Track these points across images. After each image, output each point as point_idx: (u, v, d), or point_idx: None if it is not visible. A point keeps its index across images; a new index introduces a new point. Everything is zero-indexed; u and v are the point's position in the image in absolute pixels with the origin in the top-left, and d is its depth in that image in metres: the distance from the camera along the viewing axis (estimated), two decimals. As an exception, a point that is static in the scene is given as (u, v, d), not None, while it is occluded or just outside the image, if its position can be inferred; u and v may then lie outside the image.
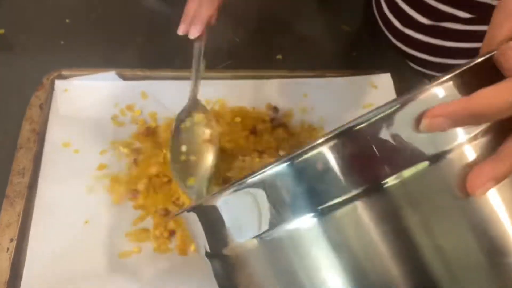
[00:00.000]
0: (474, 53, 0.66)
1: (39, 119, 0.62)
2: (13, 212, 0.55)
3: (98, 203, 0.57)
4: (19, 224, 0.54)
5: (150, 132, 0.63)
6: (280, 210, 0.28)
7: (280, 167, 0.28)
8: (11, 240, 0.53)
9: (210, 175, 0.52)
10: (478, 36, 0.64)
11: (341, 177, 0.27)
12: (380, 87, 0.69)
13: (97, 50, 0.73)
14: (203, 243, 0.34)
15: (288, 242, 0.29)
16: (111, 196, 0.58)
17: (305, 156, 0.27)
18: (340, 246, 0.28)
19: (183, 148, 0.53)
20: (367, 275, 0.28)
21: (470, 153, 0.28)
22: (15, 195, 0.56)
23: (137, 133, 0.63)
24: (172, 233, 0.55)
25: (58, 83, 0.66)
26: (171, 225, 0.55)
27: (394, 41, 0.74)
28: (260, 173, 0.28)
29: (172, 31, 0.77)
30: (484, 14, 0.61)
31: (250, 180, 0.29)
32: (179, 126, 0.55)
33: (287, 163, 0.28)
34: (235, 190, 0.29)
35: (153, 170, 0.59)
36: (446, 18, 0.65)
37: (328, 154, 0.27)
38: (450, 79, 0.28)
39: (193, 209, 0.34)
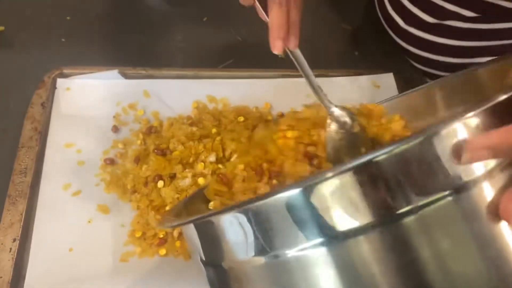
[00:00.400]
0: (478, 51, 0.66)
1: (41, 117, 0.62)
2: (16, 212, 0.54)
3: (101, 202, 0.57)
4: (21, 224, 0.54)
5: (152, 131, 0.62)
6: (289, 233, 0.28)
7: (291, 193, 0.27)
8: (14, 240, 0.53)
9: None
10: (483, 35, 0.64)
11: (355, 206, 0.27)
12: (383, 87, 0.69)
13: (98, 47, 0.72)
14: (199, 252, 0.34)
15: (295, 265, 0.29)
16: (115, 195, 0.57)
17: (319, 184, 0.27)
18: (347, 275, 0.28)
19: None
20: None
21: (494, 184, 0.28)
22: (17, 194, 0.56)
23: (140, 131, 0.62)
24: (162, 242, 0.54)
25: (60, 82, 0.65)
26: (162, 232, 0.55)
27: (396, 39, 0.74)
28: (270, 197, 0.28)
29: (173, 29, 0.77)
30: (489, 12, 0.62)
31: (260, 202, 0.28)
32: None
33: (299, 189, 0.27)
34: (243, 211, 0.29)
35: (151, 171, 0.58)
36: (450, 17, 0.64)
37: (343, 183, 0.27)
38: (482, 111, 0.28)
39: (192, 222, 0.33)
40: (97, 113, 0.63)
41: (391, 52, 0.76)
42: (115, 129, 0.62)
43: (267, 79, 0.69)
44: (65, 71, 0.67)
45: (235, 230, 0.29)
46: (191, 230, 0.34)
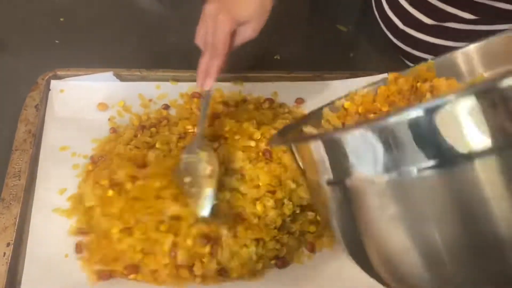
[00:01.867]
0: (476, 53, 0.66)
1: (35, 120, 0.61)
2: (10, 216, 0.53)
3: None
4: (15, 228, 0.53)
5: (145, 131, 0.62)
6: (411, 152, 0.29)
7: (416, 112, 0.28)
8: (8, 245, 0.52)
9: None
10: (481, 36, 0.64)
11: (474, 129, 0.27)
12: (379, 88, 0.69)
13: (92, 49, 0.72)
14: (326, 170, 0.34)
15: (414, 185, 0.30)
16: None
17: (443, 106, 0.27)
18: (464, 197, 0.29)
19: (187, 179, 0.53)
20: (478, 232, 0.29)
21: None
22: (11, 198, 0.55)
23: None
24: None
25: (54, 84, 0.64)
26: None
27: (394, 40, 0.74)
28: (399, 115, 0.29)
29: (167, 31, 0.76)
30: (488, 14, 0.62)
31: (390, 120, 0.29)
32: (186, 160, 0.56)
33: (424, 109, 0.28)
34: (371, 129, 0.30)
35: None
36: (449, 19, 0.65)
37: (465, 106, 0.27)
38: None
39: (323, 137, 0.35)
40: (92, 116, 0.63)
41: (386, 53, 0.76)
42: (113, 131, 0.61)
43: (264, 83, 0.68)
44: (59, 73, 0.66)
45: (359, 146, 0.31)
46: (317, 147, 0.34)
